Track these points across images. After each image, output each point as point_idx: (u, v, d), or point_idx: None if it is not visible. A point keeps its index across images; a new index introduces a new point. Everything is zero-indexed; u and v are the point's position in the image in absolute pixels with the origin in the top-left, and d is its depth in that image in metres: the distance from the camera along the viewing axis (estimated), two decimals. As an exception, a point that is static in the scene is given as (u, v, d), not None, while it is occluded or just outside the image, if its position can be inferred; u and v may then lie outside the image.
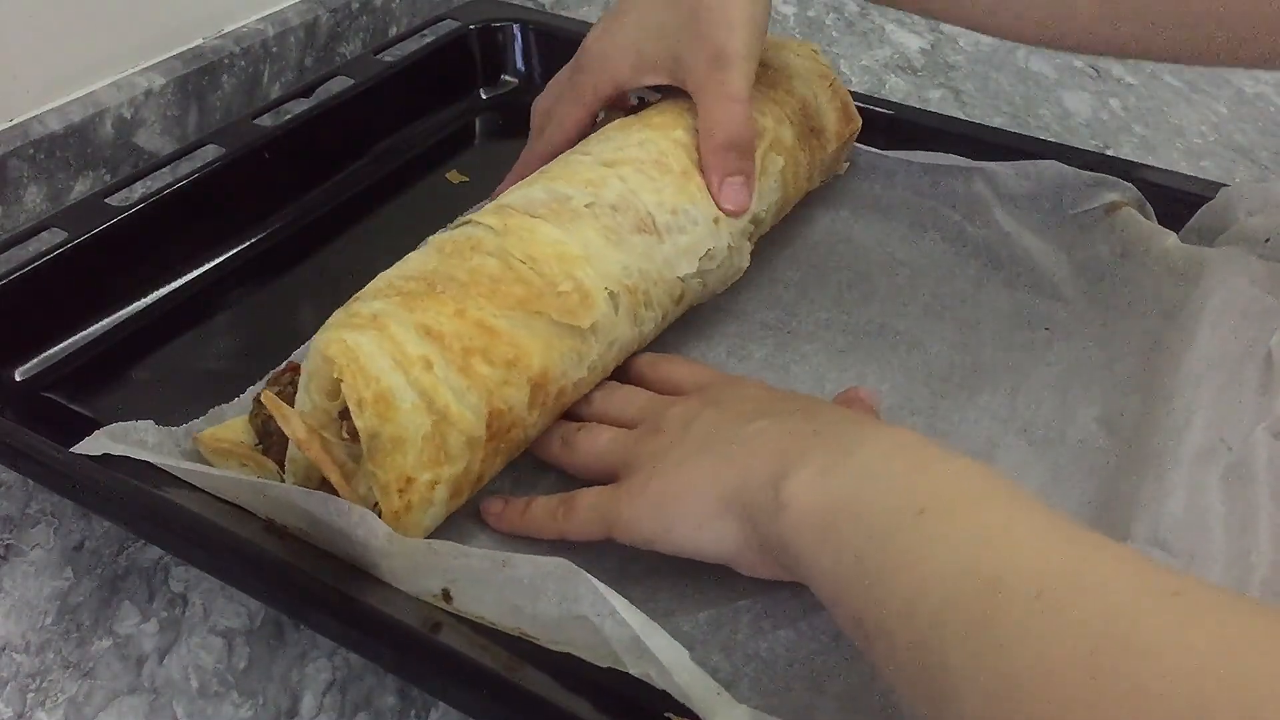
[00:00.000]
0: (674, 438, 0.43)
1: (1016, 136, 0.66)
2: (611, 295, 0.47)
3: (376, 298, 0.44)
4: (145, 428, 0.47)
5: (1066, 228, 0.58)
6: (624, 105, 0.59)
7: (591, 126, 0.58)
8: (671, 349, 0.53)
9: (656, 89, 0.57)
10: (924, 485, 0.35)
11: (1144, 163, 0.67)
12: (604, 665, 0.37)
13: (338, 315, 0.44)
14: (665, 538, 0.41)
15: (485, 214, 0.48)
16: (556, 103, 0.58)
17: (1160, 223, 0.58)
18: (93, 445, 0.45)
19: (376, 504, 0.41)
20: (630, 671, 0.37)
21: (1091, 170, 0.60)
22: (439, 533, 0.44)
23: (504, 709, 0.36)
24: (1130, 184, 0.58)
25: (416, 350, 0.42)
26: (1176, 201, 0.59)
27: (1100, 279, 0.56)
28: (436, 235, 0.49)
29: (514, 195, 0.49)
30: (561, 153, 0.53)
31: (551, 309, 0.45)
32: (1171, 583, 0.29)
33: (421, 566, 0.40)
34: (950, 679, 0.30)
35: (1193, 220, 0.58)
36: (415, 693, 0.42)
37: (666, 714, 0.37)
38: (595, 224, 0.48)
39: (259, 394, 0.45)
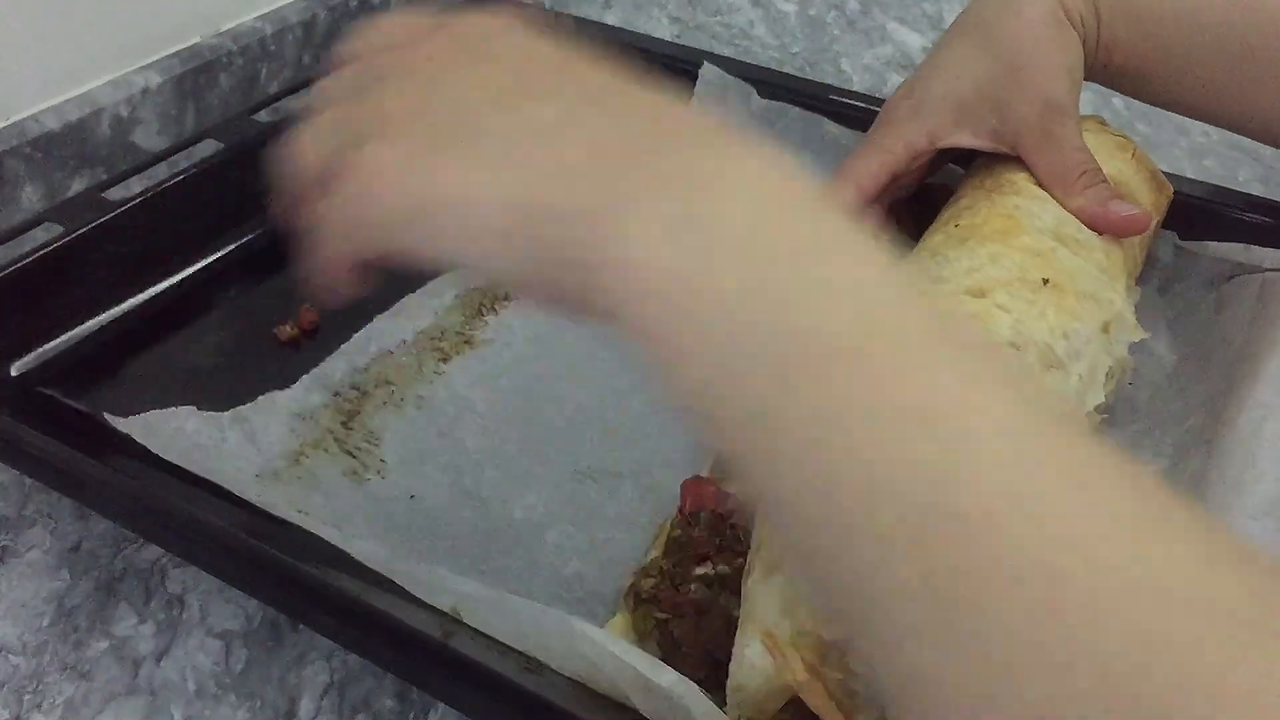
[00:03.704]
0: (424, 97, 0.30)
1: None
2: None
3: None
4: (182, 414, 0.47)
5: (1173, 300, 0.56)
6: (918, 175, 0.55)
7: (890, 187, 0.54)
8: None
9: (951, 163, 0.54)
10: (847, 299, 0.25)
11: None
12: (616, 699, 0.36)
13: None
14: (419, 247, 0.30)
15: None
16: (850, 158, 0.54)
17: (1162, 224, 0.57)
18: (135, 429, 0.46)
19: None
20: (640, 710, 0.35)
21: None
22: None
23: (505, 710, 0.36)
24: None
25: None
26: (1179, 203, 0.58)
27: (1193, 330, 0.54)
28: None
29: None
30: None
31: None
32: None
33: (430, 585, 0.40)
34: (873, 600, 0.24)
35: None
36: (414, 694, 0.42)
37: None
38: None
39: (645, 590, 0.40)
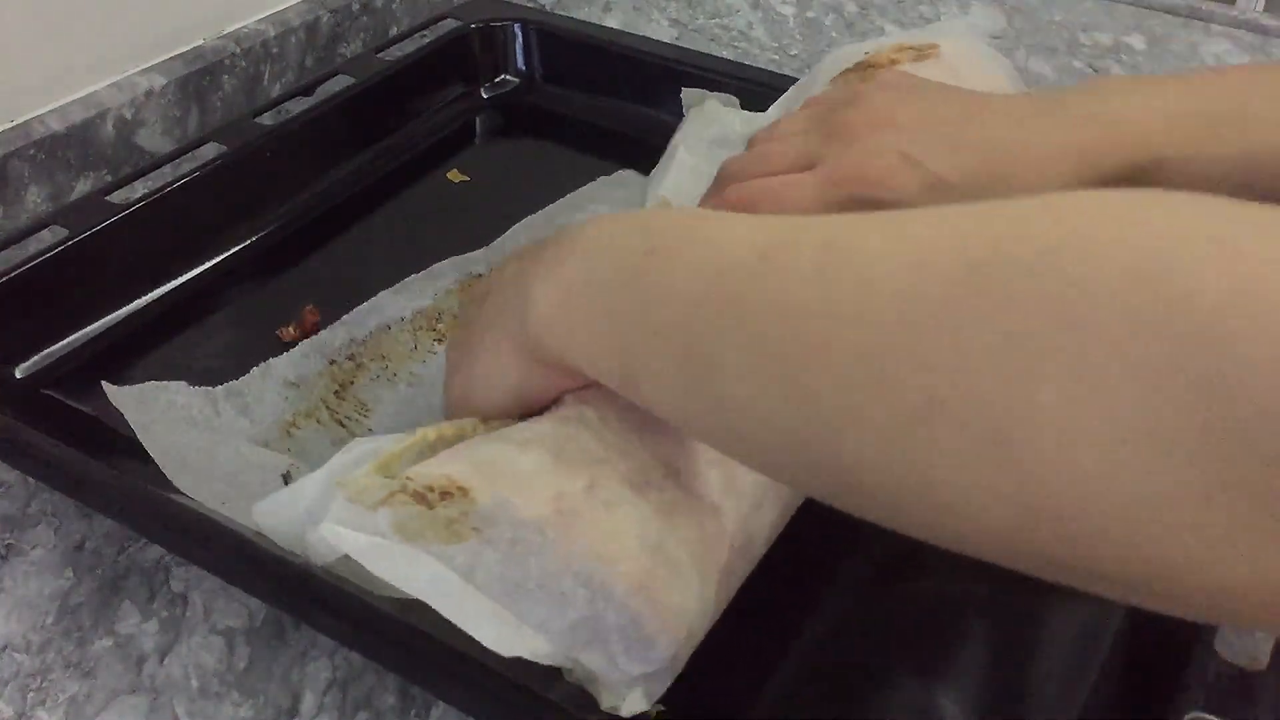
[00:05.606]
0: (475, 309, 0.44)
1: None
2: None
3: None
4: (175, 387, 0.50)
5: None
6: None
7: None
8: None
9: None
10: (647, 233, 0.36)
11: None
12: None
13: None
14: (473, 406, 0.41)
15: None
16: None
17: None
18: (125, 401, 0.48)
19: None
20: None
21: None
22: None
23: (507, 708, 0.36)
24: None
25: None
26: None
27: None
28: None
29: None
30: None
31: None
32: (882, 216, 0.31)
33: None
34: (713, 367, 0.32)
35: None
36: (415, 692, 0.42)
37: (659, 706, 0.37)
38: None
39: None
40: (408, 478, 0.36)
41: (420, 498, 0.35)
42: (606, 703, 0.35)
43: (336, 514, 0.34)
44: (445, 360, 0.44)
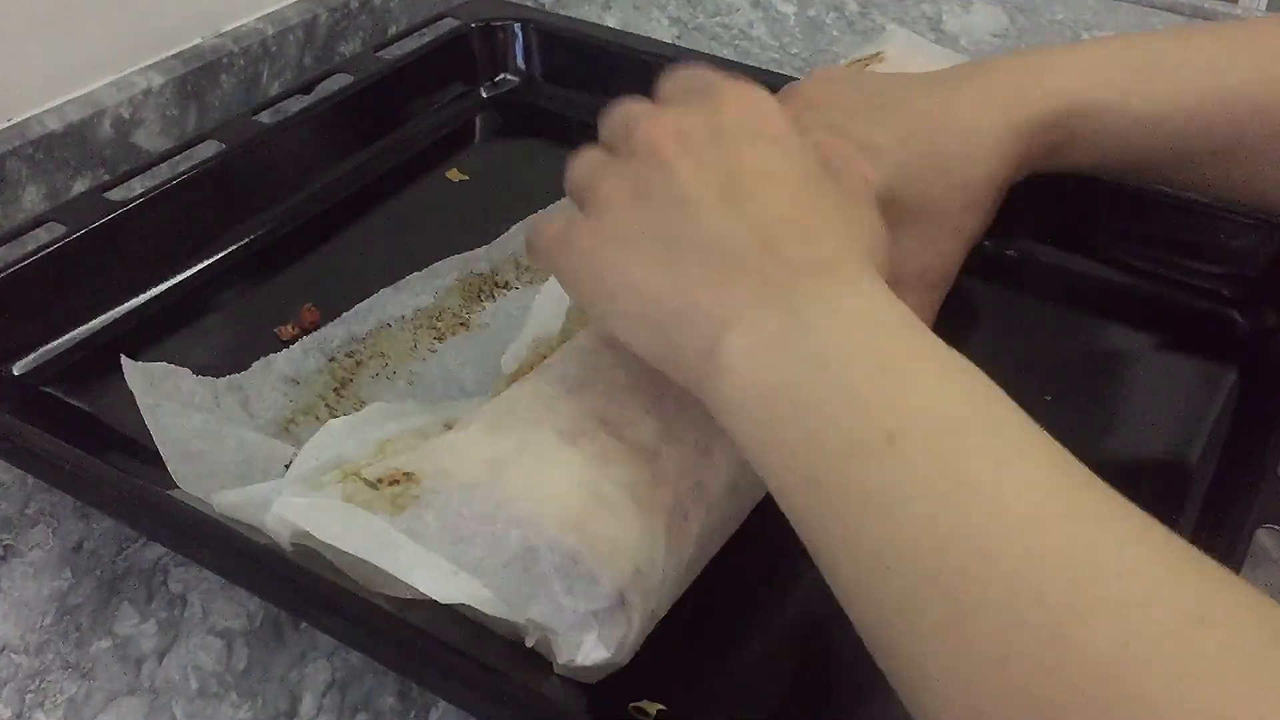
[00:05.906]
0: (639, 188, 0.37)
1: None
2: None
3: None
4: (182, 374, 0.50)
5: None
6: None
7: None
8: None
9: None
10: (895, 398, 0.30)
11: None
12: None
13: None
14: (589, 313, 0.41)
15: None
16: None
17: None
18: (137, 379, 0.49)
19: None
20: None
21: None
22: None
23: (507, 708, 0.36)
24: None
25: None
26: (1178, 206, 0.58)
27: None
28: None
29: None
30: None
31: None
32: (1197, 595, 0.25)
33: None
34: (918, 654, 0.28)
35: None
36: (415, 693, 0.42)
37: (633, 704, 0.37)
38: None
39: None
40: (359, 469, 0.39)
41: (370, 485, 0.38)
42: (564, 656, 0.35)
43: (291, 492, 0.38)
44: (589, 199, 0.38)
